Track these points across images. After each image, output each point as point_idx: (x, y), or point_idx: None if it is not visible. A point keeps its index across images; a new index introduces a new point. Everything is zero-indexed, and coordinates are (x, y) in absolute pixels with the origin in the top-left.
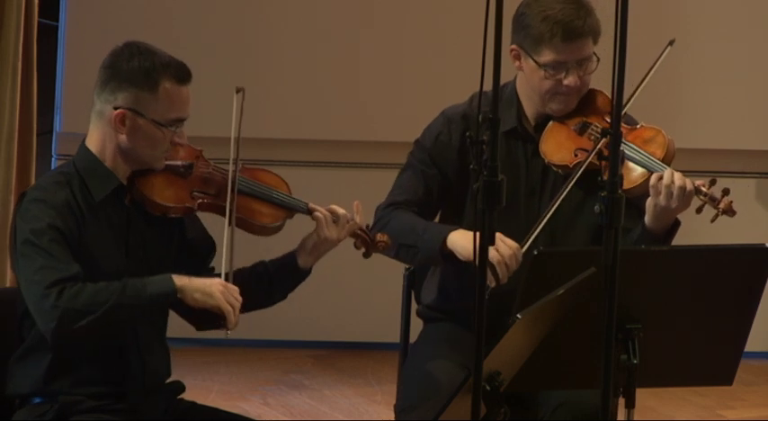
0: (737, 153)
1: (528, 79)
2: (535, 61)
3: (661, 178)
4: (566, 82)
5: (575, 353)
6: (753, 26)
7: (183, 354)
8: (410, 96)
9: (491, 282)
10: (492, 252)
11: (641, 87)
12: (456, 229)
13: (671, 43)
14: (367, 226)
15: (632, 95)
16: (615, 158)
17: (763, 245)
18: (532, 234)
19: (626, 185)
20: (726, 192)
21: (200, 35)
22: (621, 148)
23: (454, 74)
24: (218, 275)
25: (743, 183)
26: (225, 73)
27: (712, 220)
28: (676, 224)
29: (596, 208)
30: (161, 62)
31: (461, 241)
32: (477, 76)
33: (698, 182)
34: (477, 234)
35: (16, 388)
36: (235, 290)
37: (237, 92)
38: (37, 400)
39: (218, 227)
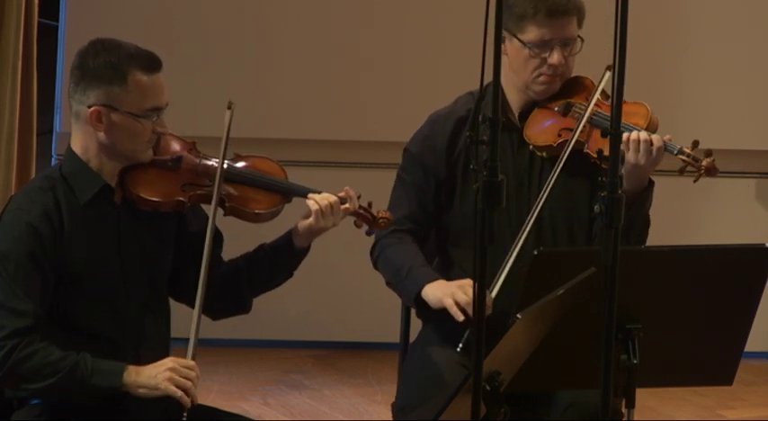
0: (737, 153)
1: (512, 62)
2: (519, 40)
3: (630, 134)
4: (550, 60)
5: (575, 353)
6: (753, 26)
7: (183, 354)
8: (410, 96)
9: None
10: (461, 295)
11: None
12: (433, 281)
13: (608, 68)
14: (369, 204)
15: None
16: (615, 158)
17: (763, 245)
18: (500, 275)
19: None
20: (708, 153)
21: (199, 35)
22: (600, 119)
23: (454, 74)
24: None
25: (743, 183)
26: (224, 73)
27: (695, 181)
28: (650, 185)
29: (596, 208)
30: (127, 54)
31: (431, 296)
32: (477, 75)
33: (666, 137)
34: (477, 230)
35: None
36: (188, 367)
37: (229, 107)
38: (35, 402)
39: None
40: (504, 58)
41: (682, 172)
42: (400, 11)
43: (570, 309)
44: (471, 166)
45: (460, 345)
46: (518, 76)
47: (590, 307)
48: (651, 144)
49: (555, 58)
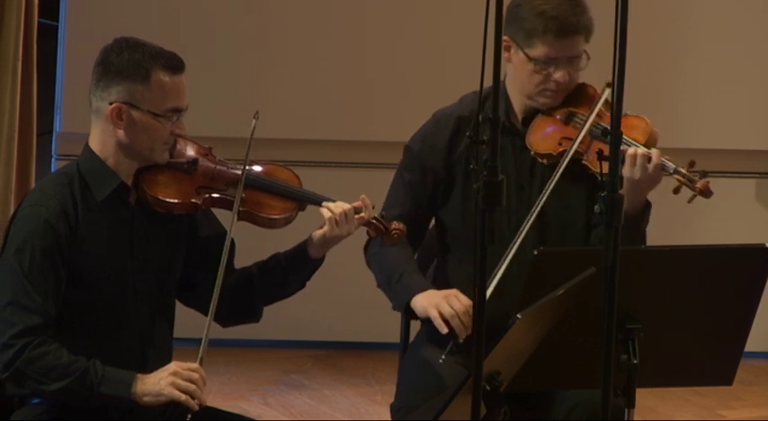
0: (737, 153)
1: (516, 71)
2: (526, 54)
3: (627, 150)
4: (554, 77)
5: (575, 353)
6: (753, 26)
7: (183, 354)
8: (411, 96)
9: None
10: (446, 307)
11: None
12: (424, 290)
13: (608, 85)
14: (383, 215)
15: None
16: (615, 158)
17: (763, 245)
18: (494, 278)
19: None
20: (703, 174)
21: (201, 35)
22: (599, 131)
23: (455, 74)
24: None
25: (743, 183)
26: (226, 73)
27: (689, 201)
28: (647, 206)
29: (596, 208)
30: (151, 53)
31: (418, 306)
32: (478, 75)
33: (666, 157)
34: (477, 229)
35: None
36: (191, 369)
37: (255, 117)
38: (35, 401)
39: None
40: (509, 64)
41: (676, 192)
42: (402, 11)
43: (570, 309)
44: (471, 166)
45: (443, 357)
46: (522, 87)
47: (590, 307)
48: (649, 160)
49: (560, 75)
